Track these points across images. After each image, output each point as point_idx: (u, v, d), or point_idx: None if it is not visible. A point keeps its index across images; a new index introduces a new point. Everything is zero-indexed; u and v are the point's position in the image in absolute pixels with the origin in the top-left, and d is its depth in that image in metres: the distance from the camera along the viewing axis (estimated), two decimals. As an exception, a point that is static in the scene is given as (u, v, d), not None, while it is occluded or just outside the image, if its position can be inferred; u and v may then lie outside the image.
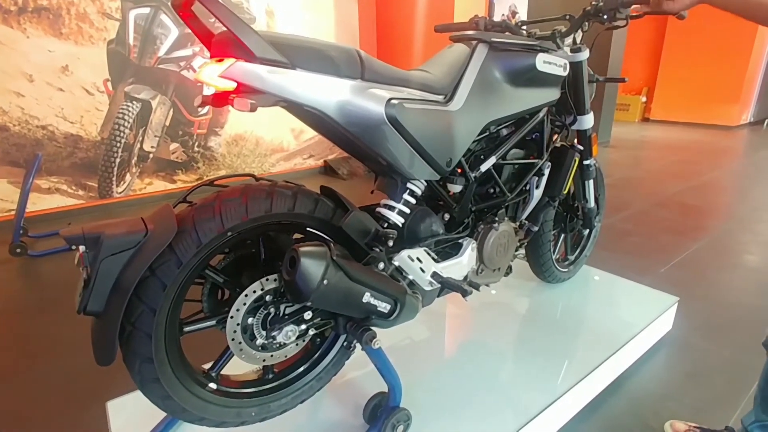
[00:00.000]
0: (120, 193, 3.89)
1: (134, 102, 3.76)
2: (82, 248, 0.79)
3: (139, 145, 3.88)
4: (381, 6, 5.23)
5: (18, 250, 2.81)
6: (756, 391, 1.26)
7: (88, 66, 3.50)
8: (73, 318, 2.15)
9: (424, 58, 4.99)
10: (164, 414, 1.20)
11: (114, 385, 1.66)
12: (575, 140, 1.73)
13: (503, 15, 5.80)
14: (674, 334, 1.93)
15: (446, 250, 1.35)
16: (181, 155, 4.16)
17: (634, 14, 1.39)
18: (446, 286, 1.23)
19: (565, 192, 1.63)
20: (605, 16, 1.40)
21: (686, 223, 3.33)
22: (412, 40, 5.09)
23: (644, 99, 8.95)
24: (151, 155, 3.97)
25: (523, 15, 5.95)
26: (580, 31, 1.48)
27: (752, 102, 8.21)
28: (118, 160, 3.79)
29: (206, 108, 3.33)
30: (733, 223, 3.31)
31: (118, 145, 3.76)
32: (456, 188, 1.30)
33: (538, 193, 1.54)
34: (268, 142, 4.69)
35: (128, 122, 3.76)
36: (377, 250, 1.10)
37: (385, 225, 1.17)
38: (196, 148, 4.24)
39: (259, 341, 1.03)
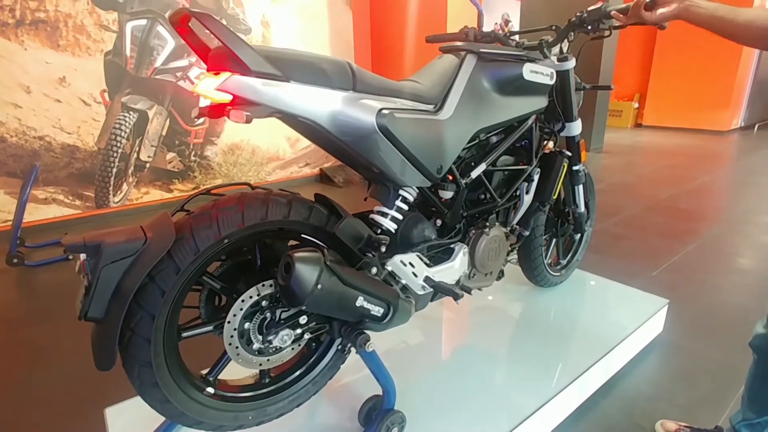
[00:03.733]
0: (117, 202, 3.90)
1: (131, 112, 3.79)
2: (83, 256, 0.81)
3: (135, 155, 3.90)
4: (375, 17, 5.30)
5: (15, 260, 2.82)
6: (743, 390, 1.29)
7: (86, 77, 3.53)
8: (70, 327, 2.16)
9: (418, 67, 5.04)
10: (161, 421, 1.22)
11: (112, 392, 1.67)
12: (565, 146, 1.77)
13: (496, 23, 5.88)
14: (665, 336, 1.96)
15: (438, 255, 1.38)
16: (177, 164, 4.18)
17: (617, 25, 1.43)
18: (438, 290, 1.25)
19: (555, 197, 1.66)
20: (589, 27, 1.44)
21: (678, 226, 3.37)
22: (405, 49, 5.15)
23: (636, 105, 9.05)
24: (147, 165, 3.99)
25: (515, 23, 6.04)
26: (566, 40, 1.52)
27: (742, 107, 8.32)
28: (114, 170, 3.81)
29: (202, 118, 3.39)
30: (723, 227, 3.35)
31: (115, 155, 3.78)
32: (447, 195, 1.33)
33: (528, 199, 1.58)
34: (264, 150, 4.72)
35: (125, 132, 3.79)
36: (370, 255, 1.13)
37: (379, 231, 1.19)
38: (192, 158, 4.26)
39: (256, 346, 1.05)
